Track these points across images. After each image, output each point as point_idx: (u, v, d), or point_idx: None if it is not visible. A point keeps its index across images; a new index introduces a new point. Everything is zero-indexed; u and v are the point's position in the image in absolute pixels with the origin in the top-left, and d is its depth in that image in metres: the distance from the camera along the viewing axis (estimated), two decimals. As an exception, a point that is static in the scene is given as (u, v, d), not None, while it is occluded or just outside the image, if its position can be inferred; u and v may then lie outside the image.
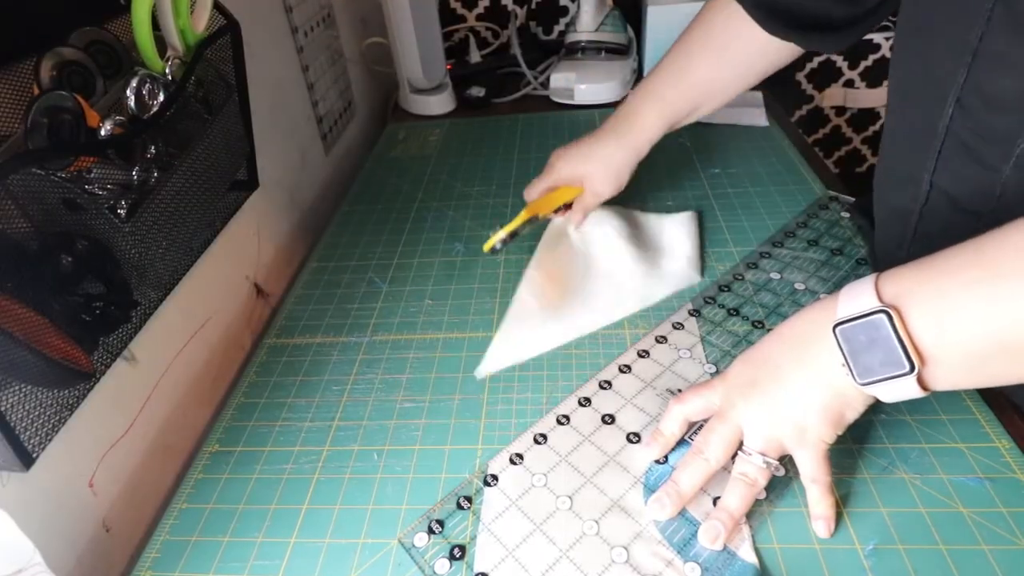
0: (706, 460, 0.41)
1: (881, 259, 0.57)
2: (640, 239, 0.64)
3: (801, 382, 0.39)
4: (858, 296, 0.36)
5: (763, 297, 0.58)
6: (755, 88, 0.71)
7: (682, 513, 0.41)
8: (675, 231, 0.66)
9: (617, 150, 0.63)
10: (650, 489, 0.43)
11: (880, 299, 0.35)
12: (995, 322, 0.32)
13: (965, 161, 0.45)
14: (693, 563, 0.38)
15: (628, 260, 0.62)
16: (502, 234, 0.62)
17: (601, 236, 0.63)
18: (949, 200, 0.47)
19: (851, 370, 0.36)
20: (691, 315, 0.57)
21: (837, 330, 0.36)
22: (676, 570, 0.38)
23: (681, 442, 0.44)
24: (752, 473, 0.40)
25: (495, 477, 0.45)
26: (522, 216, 0.63)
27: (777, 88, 0.94)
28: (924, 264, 0.36)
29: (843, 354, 0.36)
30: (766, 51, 0.59)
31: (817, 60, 1.27)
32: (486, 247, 0.62)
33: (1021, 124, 0.41)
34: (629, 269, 0.61)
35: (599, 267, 0.62)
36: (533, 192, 0.66)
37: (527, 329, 0.57)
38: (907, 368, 0.34)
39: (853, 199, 0.69)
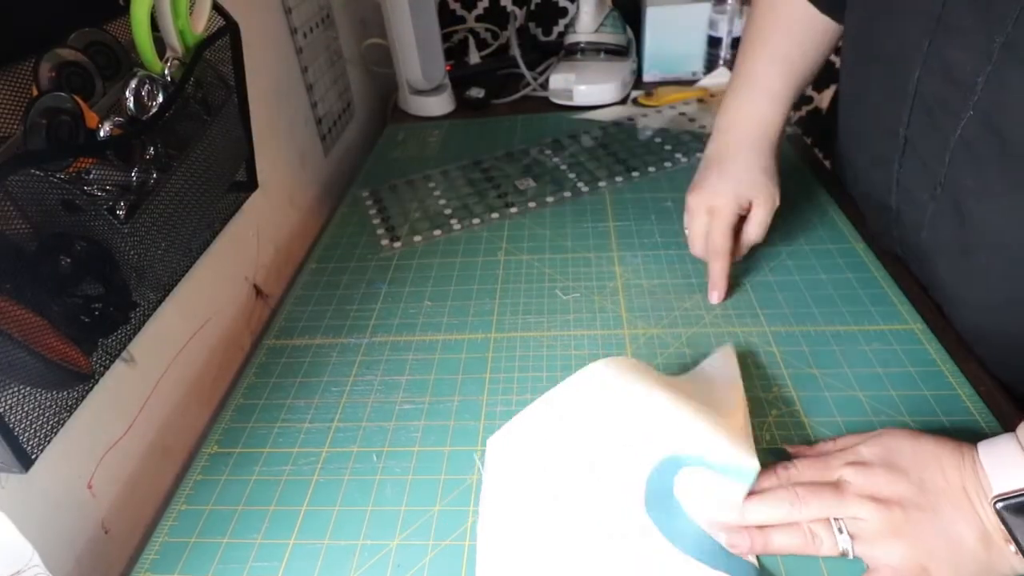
0: (795, 502, 0.38)
1: (866, 202, 0.64)
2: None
3: (958, 536, 0.36)
4: (1009, 464, 0.36)
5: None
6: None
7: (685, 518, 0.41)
8: (723, 394, 0.48)
9: (760, 156, 0.60)
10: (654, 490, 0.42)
11: None
12: None
13: (927, 123, 0.49)
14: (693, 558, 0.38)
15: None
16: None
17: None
18: (919, 154, 0.51)
19: (1021, 548, 0.35)
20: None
21: (1001, 508, 0.35)
22: (672, 559, 0.38)
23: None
24: (826, 543, 0.38)
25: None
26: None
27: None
28: None
29: (1011, 533, 0.35)
30: (826, 31, 0.62)
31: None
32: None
33: (965, 99, 0.44)
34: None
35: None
36: (712, 240, 0.59)
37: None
38: None
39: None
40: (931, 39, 0.46)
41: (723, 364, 0.51)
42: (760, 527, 0.39)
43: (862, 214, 0.67)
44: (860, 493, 0.37)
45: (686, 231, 0.62)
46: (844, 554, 0.37)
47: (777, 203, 0.59)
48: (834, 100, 0.64)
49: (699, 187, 0.61)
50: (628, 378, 0.42)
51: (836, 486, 0.38)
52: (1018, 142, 0.41)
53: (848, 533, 0.37)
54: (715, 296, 0.59)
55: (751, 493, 0.39)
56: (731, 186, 0.59)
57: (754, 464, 0.38)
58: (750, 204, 0.59)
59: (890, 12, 0.51)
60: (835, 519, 0.38)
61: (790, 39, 0.62)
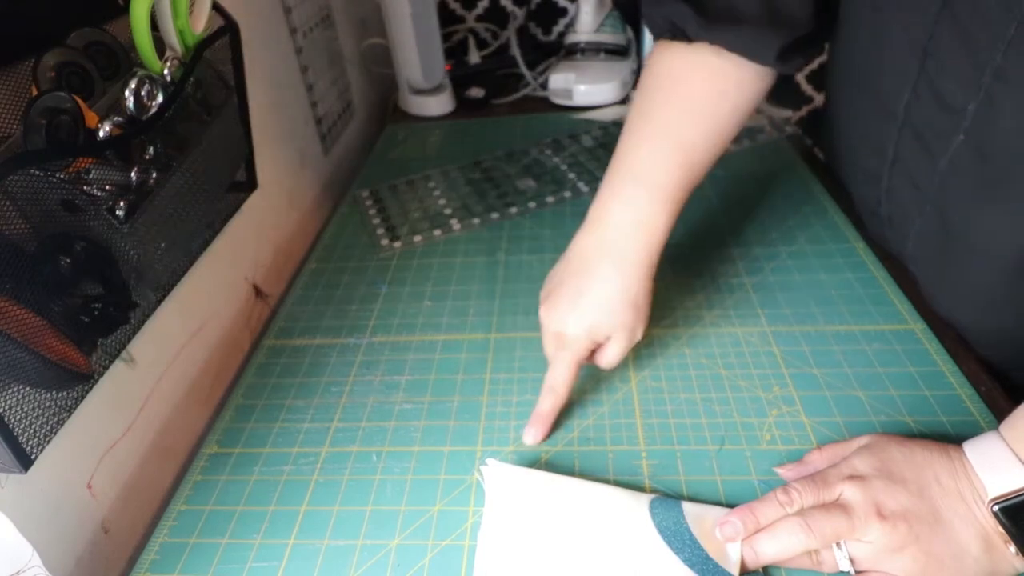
0: (808, 532, 0.37)
1: (860, 206, 0.64)
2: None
3: (963, 545, 0.36)
4: (1000, 466, 0.36)
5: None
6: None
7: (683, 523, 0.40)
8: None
9: (629, 282, 0.48)
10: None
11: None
12: None
13: (916, 146, 0.49)
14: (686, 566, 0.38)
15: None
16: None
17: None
18: (907, 172, 0.51)
19: (1020, 549, 0.35)
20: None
21: (999, 511, 0.35)
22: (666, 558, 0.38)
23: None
24: (826, 562, 0.37)
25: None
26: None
27: (779, 87, 0.94)
28: None
29: (1010, 535, 0.35)
30: (743, 90, 0.51)
31: (818, 61, 1.26)
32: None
33: (956, 125, 0.45)
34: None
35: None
36: (551, 374, 0.48)
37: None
38: None
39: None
40: (920, 68, 0.46)
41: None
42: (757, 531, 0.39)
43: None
44: (867, 510, 0.36)
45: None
46: (845, 572, 0.37)
47: (639, 337, 0.49)
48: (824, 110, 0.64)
49: (551, 303, 0.49)
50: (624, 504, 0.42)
51: (843, 507, 0.37)
52: (1007, 166, 0.42)
53: (848, 550, 0.37)
54: (530, 435, 0.47)
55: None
56: (586, 320, 0.47)
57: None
58: (606, 339, 0.49)
59: (878, 40, 0.51)
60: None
61: (689, 117, 0.49)
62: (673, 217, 0.49)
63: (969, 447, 0.38)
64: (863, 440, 0.42)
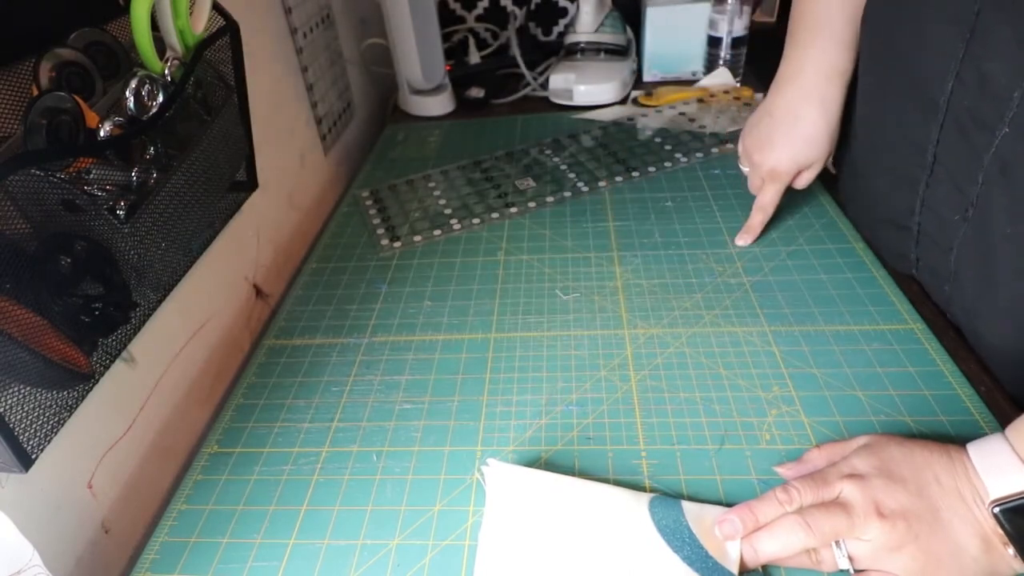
0: (808, 530, 0.37)
1: (881, 222, 0.60)
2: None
3: (961, 546, 0.36)
4: (1004, 469, 0.36)
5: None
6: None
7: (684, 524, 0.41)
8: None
9: (827, 112, 0.60)
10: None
11: None
12: None
13: (958, 140, 0.46)
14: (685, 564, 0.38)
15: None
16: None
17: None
18: (949, 173, 0.48)
19: (1019, 551, 0.35)
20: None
21: (999, 513, 0.35)
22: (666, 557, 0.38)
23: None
24: (825, 560, 0.37)
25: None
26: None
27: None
28: None
29: (1009, 537, 0.35)
30: None
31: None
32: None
33: (1002, 114, 0.42)
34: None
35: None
36: (762, 199, 0.65)
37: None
38: None
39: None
40: (964, 50, 0.44)
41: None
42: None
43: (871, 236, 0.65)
44: (866, 509, 0.36)
45: (744, 169, 0.68)
46: (844, 570, 0.37)
47: (829, 159, 0.62)
48: (845, 114, 0.62)
49: (763, 143, 0.63)
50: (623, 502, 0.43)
51: (842, 505, 0.37)
52: None
53: (847, 549, 0.37)
54: (744, 239, 0.65)
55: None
56: (795, 151, 0.61)
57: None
58: (808, 167, 0.62)
59: (917, 21, 0.49)
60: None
61: None
62: (854, 59, 0.59)
63: (973, 448, 0.38)
64: (863, 440, 0.42)
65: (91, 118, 0.40)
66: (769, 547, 0.38)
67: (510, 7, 1.20)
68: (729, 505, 0.41)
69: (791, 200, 0.72)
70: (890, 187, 0.57)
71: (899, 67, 0.53)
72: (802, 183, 0.64)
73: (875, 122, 0.59)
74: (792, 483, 0.39)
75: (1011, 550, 0.35)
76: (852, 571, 0.37)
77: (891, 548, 0.36)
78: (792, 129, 0.61)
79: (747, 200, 0.73)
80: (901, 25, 0.52)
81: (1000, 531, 0.35)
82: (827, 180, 0.75)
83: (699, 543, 0.39)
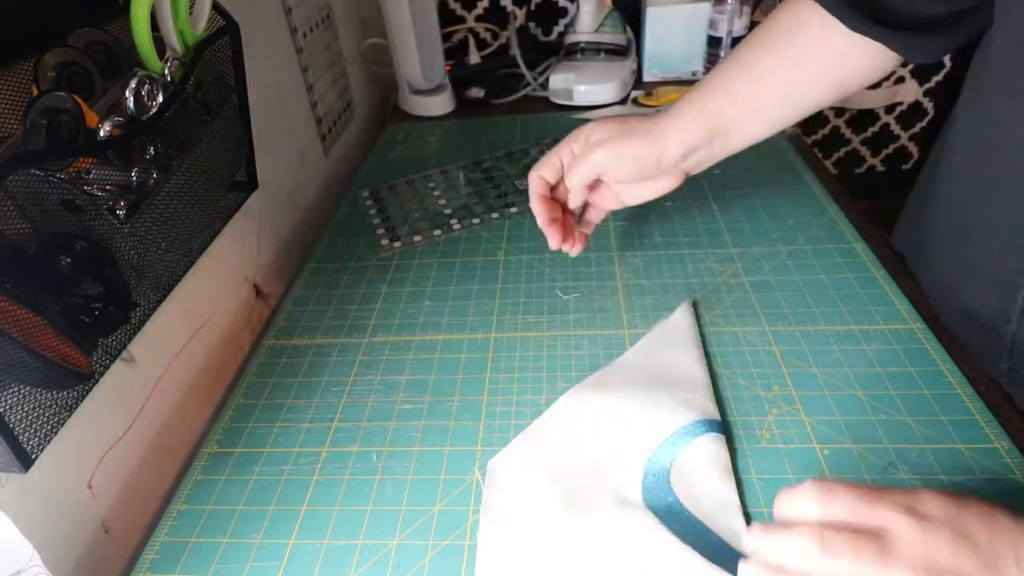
0: (819, 552, 0.30)
1: (968, 319, 0.52)
2: (638, 391, 0.49)
3: None
4: None
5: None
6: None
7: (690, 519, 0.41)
8: (677, 357, 0.52)
9: (643, 144, 0.56)
10: (647, 488, 0.42)
11: None
12: None
13: None
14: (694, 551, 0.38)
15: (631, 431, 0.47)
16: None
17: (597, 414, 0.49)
18: None
19: None
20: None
21: None
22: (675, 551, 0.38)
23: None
24: None
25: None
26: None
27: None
28: None
29: None
30: (846, 57, 0.49)
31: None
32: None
33: None
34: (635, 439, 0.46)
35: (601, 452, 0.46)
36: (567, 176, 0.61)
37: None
38: None
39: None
40: None
41: (680, 322, 0.56)
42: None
43: (886, 241, 0.63)
44: (912, 559, 0.29)
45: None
46: None
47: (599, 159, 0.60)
48: (913, 171, 0.55)
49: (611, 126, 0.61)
50: (595, 401, 0.49)
51: (880, 538, 0.30)
52: None
53: None
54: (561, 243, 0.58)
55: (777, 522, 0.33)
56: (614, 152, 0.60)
57: (714, 412, 0.46)
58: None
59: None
60: None
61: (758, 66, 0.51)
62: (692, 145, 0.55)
63: None
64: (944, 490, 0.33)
65: (91, 118, 0.40)
66: (772, 551, 0.32)
67: (510, 7, 1.20)
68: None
69: (791, 200, 0.72)
70: (984, 286, 0.49)
71: (1009, 150, 0.44)
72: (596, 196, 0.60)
73: (971, 209, 0.50)
74: (836, 487, 0.32)
75: None
76: None
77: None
78: (630, 138, 0.57)
79: (747, 200, 0.73)
80: (1017, 104, 0.43)
81: None
82: (828, 180, 0.75)
83: (699, 521, 0.40)
